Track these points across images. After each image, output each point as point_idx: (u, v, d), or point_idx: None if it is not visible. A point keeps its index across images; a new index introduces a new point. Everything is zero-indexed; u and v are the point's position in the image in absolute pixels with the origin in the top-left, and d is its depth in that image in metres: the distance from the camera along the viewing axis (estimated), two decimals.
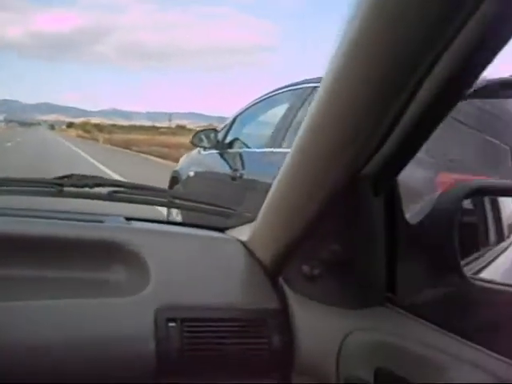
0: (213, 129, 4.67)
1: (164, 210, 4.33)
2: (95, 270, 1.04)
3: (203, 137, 4.33)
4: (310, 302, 0.99)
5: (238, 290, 1.06)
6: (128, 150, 26.47)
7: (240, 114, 4.29)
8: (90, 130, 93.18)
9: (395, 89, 0.65)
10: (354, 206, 0.88)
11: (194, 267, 1.06)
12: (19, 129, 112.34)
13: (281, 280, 1.05)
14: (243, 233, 1.15)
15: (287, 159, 0.87)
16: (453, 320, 0.84)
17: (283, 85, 3.66)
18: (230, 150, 3.95)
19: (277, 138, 3.37)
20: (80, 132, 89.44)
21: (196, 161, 4.68)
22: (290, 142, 3.02)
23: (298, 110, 3.19)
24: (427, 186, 2.04)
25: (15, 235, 1.04)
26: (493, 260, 1.10)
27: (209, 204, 1.36)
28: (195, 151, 4.85)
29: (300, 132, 0.81)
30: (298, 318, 1.00)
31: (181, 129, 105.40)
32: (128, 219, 1.22)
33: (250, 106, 4.19)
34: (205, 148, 4.40)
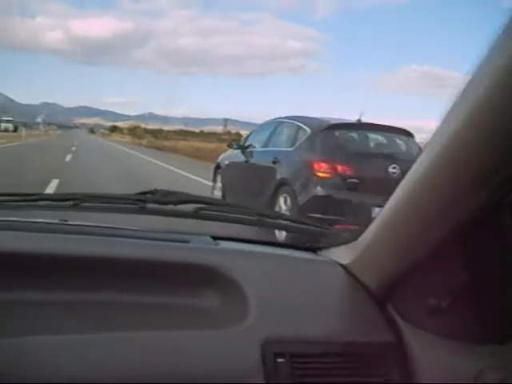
0: (237, 140, 8.95)
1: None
2: (184, 296, 1.00)
3: (234, 143, 8.56)
4: (430, 336, 0.91)
5: (345, 320, 0.99)
6: None
7: (253, 131, 8.45)
8: (142, 135, 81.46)
9: None
10: (491, 233, 0.82)
11: (294, 293, 1.00)
12: (59, 132, 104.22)
13: (390, 308, 0.97)
14: (340, 254, 1.10)
15: (409, 177, 0.82)
16: None
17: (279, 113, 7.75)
18: (246, 150, 7.97)
19: (266, 143, 7.37)
20: (128, 137, 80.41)
21: (230, 155, 8.70)
22: (273, 145, 7.05)
23: (275, 131, 7.23)
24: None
25: (97, 256, 0.99)
26: None
27: (300, 222, 1.31)
28: (229, 150, 8.92)
29: (432, 148, 0.75)
30: (417, 353, 0.92)
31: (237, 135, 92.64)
32: (214, 238, 1.19)
33: (258, 128, 8.31)
34: (235, 148, 8.47)
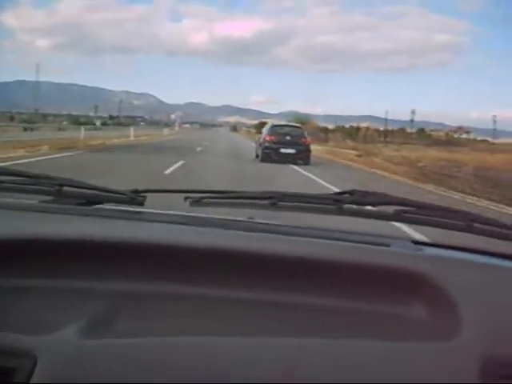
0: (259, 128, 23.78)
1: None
2: (383, 303, 0.95)
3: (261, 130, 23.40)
4: None
5: None
6: None
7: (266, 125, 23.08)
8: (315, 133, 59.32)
9: None
10: None
11: (509, 307, 0.93)
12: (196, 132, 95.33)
13: None
14: None
15: None
16: None
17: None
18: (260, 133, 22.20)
19: (264, 130, 21.90)
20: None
21: (260, 136, 22.95)
22: (264, 130, 22.01)
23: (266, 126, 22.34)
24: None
25: (292, 256, 1.00)
26: None
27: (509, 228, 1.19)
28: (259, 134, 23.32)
29: None
30: None
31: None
32: (415, 243, 1.17)
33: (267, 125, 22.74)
34: (259, 133, 23.06)
